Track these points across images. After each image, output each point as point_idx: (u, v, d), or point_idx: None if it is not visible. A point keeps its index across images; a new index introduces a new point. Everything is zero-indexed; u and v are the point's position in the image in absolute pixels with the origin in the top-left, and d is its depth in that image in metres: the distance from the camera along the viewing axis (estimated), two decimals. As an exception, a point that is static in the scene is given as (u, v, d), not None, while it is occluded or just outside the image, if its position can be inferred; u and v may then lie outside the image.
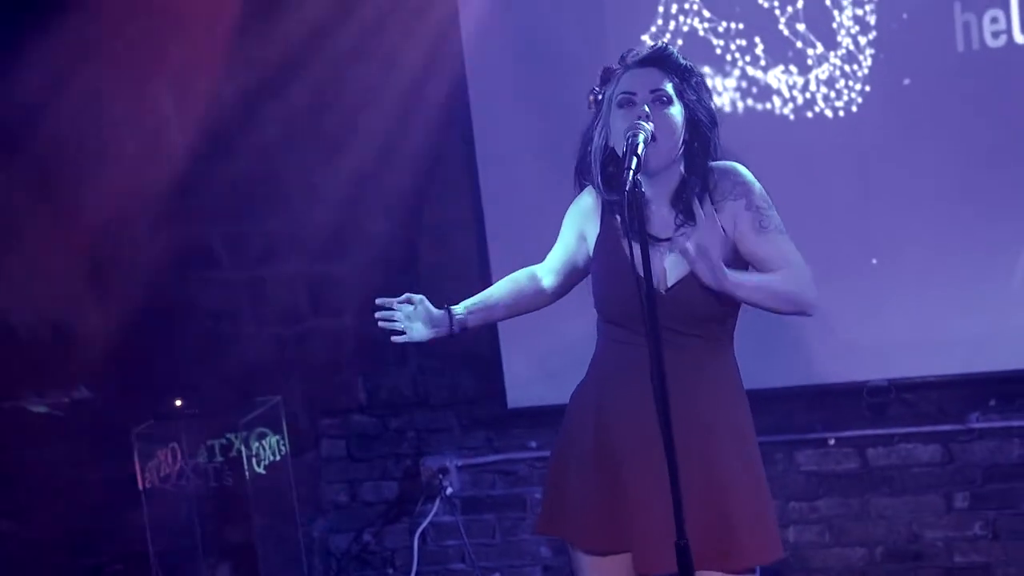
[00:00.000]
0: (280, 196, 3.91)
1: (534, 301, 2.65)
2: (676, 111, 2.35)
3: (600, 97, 2.43)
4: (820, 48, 3.47)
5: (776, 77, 3.50)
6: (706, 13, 3.52)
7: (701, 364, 2.40)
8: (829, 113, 3.49)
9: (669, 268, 2.38)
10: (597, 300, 2.47)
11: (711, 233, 2.37)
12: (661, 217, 2.42)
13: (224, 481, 3.74)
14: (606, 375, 2.46)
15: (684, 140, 2.37)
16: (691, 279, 2.35)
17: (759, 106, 3.52)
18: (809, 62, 3.48)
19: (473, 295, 3.81)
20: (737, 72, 3.52)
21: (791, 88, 3.50)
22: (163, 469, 3.75)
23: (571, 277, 2.63)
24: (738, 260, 2.41)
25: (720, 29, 3.52)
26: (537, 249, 3.68)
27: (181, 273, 3.98)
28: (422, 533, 3.98)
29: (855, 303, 3.52)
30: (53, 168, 3.99)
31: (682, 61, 2.40)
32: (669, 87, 2.36)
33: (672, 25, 3.54)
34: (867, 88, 3.46)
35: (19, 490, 4.05)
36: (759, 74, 3.51)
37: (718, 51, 3.52)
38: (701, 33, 3.53)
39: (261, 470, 3.78)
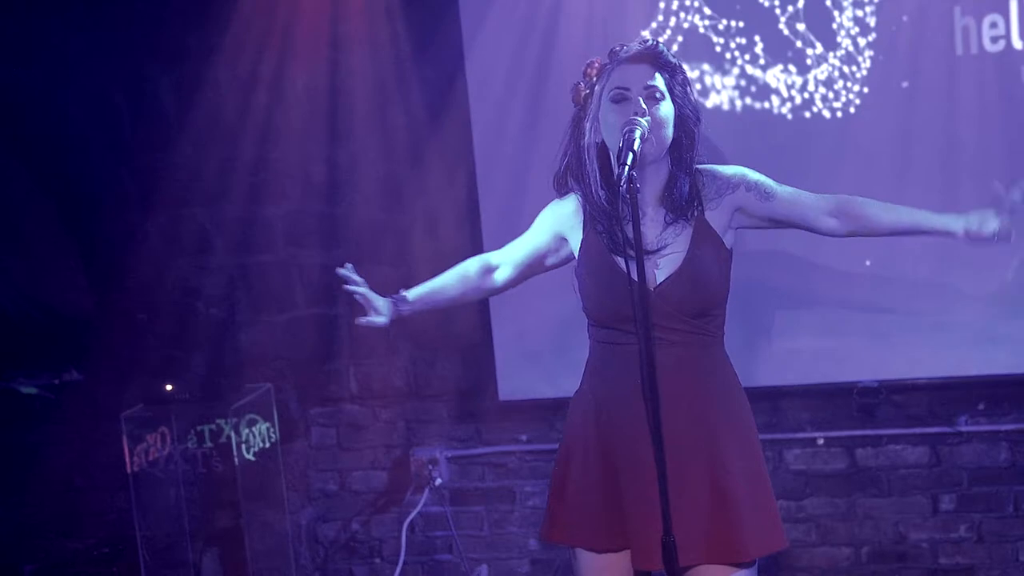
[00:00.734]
0: (275, 183, 3.91)
1: (480, 293, 2.69)
2: (667, 107, 2.39)
3: (588, 92, 2.44)
4: (819, 48, 3.48)
5: (775, 76, 3.50)
6: (707, 10, 3.52)
7: (696, 359, 2.43)
8: (827, 114, 3.49)
9: (659, 266, 2.41)
10: (588, 305, 2.48)
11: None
12: (649, 215, 2.45)
13: (213, 467, 3.75)
14: (603, 378, 2.47)
15: (674, 136, 2.40)
16: (678, 277, 2.40)
17: (757, 105, 3.52)
18: (808, 62, 3.48)
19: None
20: (736, 70, 3.52)
21: (790, 88, 3.50)
22: (152, 453, 3.76)
23: (528, 272, 2.66)
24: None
25: (720, 27, 3.52)
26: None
27: (175, 258, 3.99)
28: (410, 523, 3.98)
29: (848, 304, 3.53)
30: (48, 151, 4.00)
31: (671, 58, 2.44)
32: (661, 83, 2.40)
33: (672, 21, 3.54)
34: (865, 90, 3.46)
35: (7, 471, 4.05)
36: (758, 73, 3.51)
37: (718, 49, 3.52)
38: (701, 30, 3.52)
39: (250, 457, 3.79)
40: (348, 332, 3.98)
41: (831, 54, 3.47)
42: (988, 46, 3.36)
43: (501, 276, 2.65)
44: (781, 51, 3.49)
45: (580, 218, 2.49)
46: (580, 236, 2.49)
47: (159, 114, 3.90)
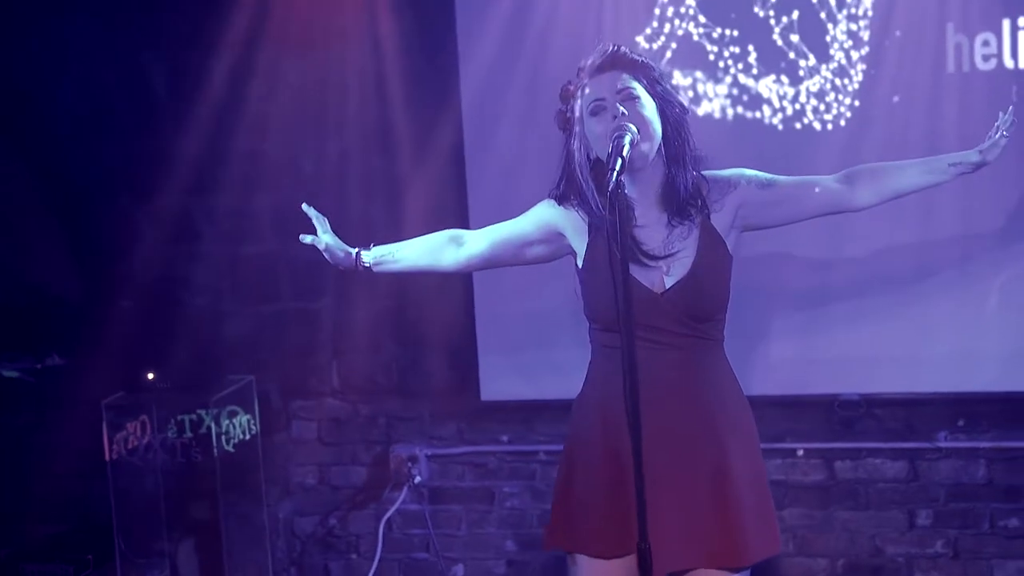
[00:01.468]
0: (265, 174, 3.90)
1: (442, 262, 2.70)
2: (647, 104, 2.40)
3: (569, 115, 2.46)
4: (812, 60, 3.49)
5: (767, 86, 3.51)
6: (701, 18, 3.52)
7: (701, 363, 2.46)
8: (818, 126, 3.50)
9: (667, 270, 2.44)
10: (591, 310, 2.48)
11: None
12: (651, 219, 2.46)
13: (192, 457, 3.74)
14: (607, 382, 2.46)
15: (663, 131, 2.41)
16: (687, 282, 2.43)
17: (749, 114, 3.53)
18: (801, 73, 3.49)
19: (453, 287, 3.86)
20: (729, 79, 3.53)
21: (781, 98, 3.51)
22: (131, 441, 3.75)
23: (502, 254, 2.64)
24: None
25: (715, 35, 3.52)
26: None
27: (161, 246, 3.98)
28: (388, 520, 3.98)
29: (831, 317, 3.55)
30: (39, 134, 3.99)
31: (637, 57, 2.45)
32: (634, 84, 2.40)
33: (667, 28, 3.55)
34: (856, 103, 3.47)
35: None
36: (750, 82, 3.52)
37: (711, 57, 3.53)
38: (695, 38, 3.53)
39: (230, 448, 3.78)
40: (332, 327, 3.99)
41: (824, 66, 3.48)
42: (980, 64, 3.38)
43: (470, 249, 2.65)
44: (774, 61, 3.50)
45: (585, 224, 2.50)
46: (585, 241, 2.49)
47: (151, 101, 3.90)
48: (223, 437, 3.75)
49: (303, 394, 4.04)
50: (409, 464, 3.92)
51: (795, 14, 3.47)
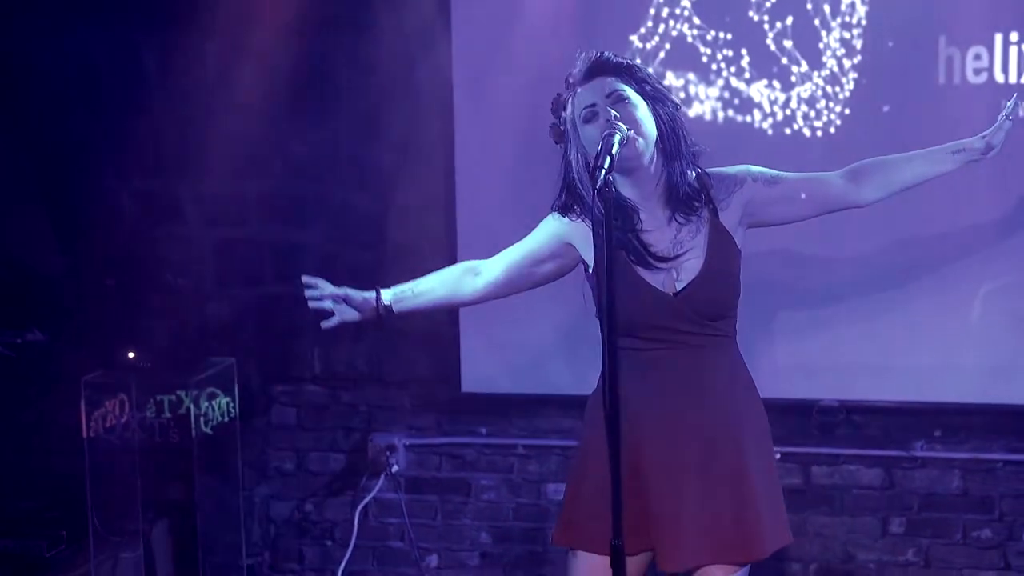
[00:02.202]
0: (254, 159, 3.90)
1: (460, 294, 2.69)
2: (639, 105, 2.42)
3: (563, 127, 2.49)
4: (805, 67, 3.49)
5: (759, 91, 3.52)
6: (696, 20, 3.53)
7: (716, 360, 2.50)
8: (807, 132, 3.51)
9: (678, 272, 2.47)
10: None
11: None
12: (657, 221, 2.49)
13: (170, 438, 3.73)
14: (623, 384, 2.45)
15: (657, 129, 2.44)
16: (698, 282, 2.46)
17: (739, 118, 3.53)
18: (793, 79, 3.50)
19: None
20: (721, 82, 3.53)
21: (772, 103, 3.52)
22: (109, 420, 3.74)
23: (518, 276, 2.65)
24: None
25: (708, 37, 3.53)
26: (505, 235, 3.70)
27: (146, 225, 3.98)
28: (364, 508, 3.99)
29: (814, 324, 3.57)
30: (26, 108, 3.98)
31: (621, 60, 2.48)
32: (622, 86, 2.43)
33: (661, 28, 3.55)
34: (847, 111, 3.48)
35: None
36: (742, 86, 3.53)
37: (704, 59, 3.54)
38: (689, 40, 3.53)
39: (208, 430, 3.78)
40: (315, 313, 3.97)
41: (816, 73, 3.49)
42: (971, 77, 3.39)
43: (487, 277, 2.66)
44: (767, 66, 3.51)
45: (591, 232, 2.49)
46: (593, 251, 2.48)
47: (141, 81, 3.89)
48: (202, 419, 3.74)
49: (284, 379, 4.04)
50: (387, 453, 3.93)
51: (789, 20, 3.48)
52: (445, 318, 3.83)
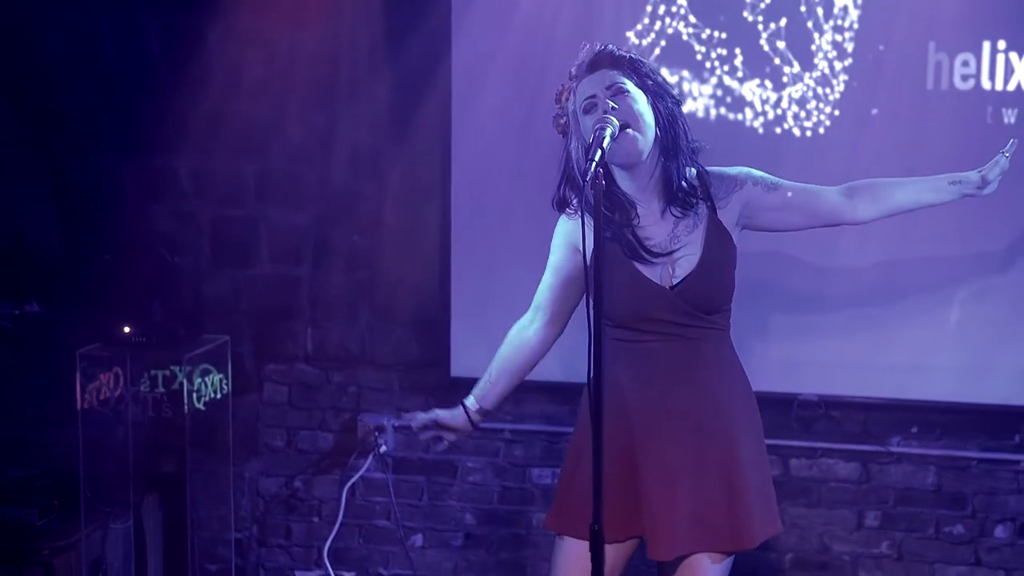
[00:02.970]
0: (253, 140, 3.92)
1: (531, 348, 2.69)
2: (639, 99, 2.44)
3: (565, 118, 2.51)
4: (797, 68, 3.54)
5: (751, 90, 3.56)
6: (692, 19, 3.57)
7: (710, 353, 2.52)
8: (797, 132, 3.56)
9: (674, 266, 2.49)
10: (606, 307, 2.49)
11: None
12: (654, 216, 2.51)
13: (162, 412, 3.76)
14: (616, 374, 2.51)
15: (656, 123, 2.45)
16: (695, 277, 2.48)
17: (731, 115, 3.58)
18: (784, 79, 3.54)
19: (430, 262, 3.89)
20: (714, 80, 3.57)
21: (764, 102, 3.56)
22: (103, 392, 3.76)
23: (566, 299, 2.65)
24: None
25: (703, 36, 3.57)
26: (499, 223, 3.75)
27: (145, 203, 3.99)
28: (352, 486, 4.01)
29: (797, 320, 3.62)
30: (31, 84, 3.98)
31: (625, 54, 2.50)
32: (623, 80, 2.45)
33: (657, 25, 3.58)
34: (836, 112, 3.53)
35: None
36: (735, 85, 3.57)
37: (698, 57, 3.58)
38: (684, 37, 3.57)
39: (200, 406, 3.80)
40: (309, 294, 4.02)
41: (807, 74, 3.53)
42: (958, 83, 3.44)
43: (539, 320, 2.67)
44: (759, 66, 3.55)
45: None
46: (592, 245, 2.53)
47: (145, 61, 3.90)
48: (194, 394, 3.76)
49: (277, 358, 4.06)
50: (376, 433, 3.95)
51: (783, 21, 3.52)
52: (436, 305, 3.86)
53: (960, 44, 3.43)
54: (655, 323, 2.49)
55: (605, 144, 2.28)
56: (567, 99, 2.50)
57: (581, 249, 2.51)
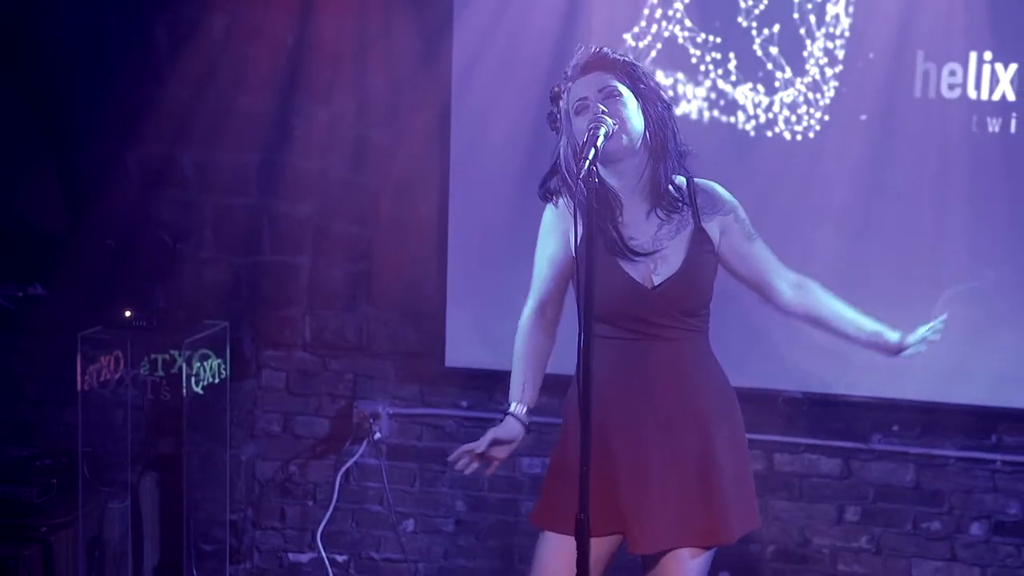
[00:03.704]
0: (255, 131, 3.93)
1: (549, 341, 2.70)
2: (629, 101, 2.48)
3: (558, 116, 2.55)
4: (788, 73, 3.59)
5: (744, 94, 3.61)
6: (688, 22, 3.61)
7: (688, 353, 2.57)
8: (788, 135, 3.61)
9: (656, 267, 2.54)
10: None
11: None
12: (638, 215, 2.55)
13: (161, 395, 3.78)
14: (598, 371, 2.49)
15: (645, 127, 2.49)
16: (677, 279, 2.52)
17: (724, 118, 3.62)
18: (776, 84, 3.59)
19: (427, 253, 3.91)
20: (708, 83, 3.62)
21: (756, 106, 3.61)
22: (104, 375, 3.77)
23: (565, 285, 2.67)
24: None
25: (698, 40, 3.61)
26: (496, 216, 3.79)
27: (149, 190, 4.00)
28: (346, 472, 4.05)
29: (782, 319, 3.63)
30: (38, 71, 4.00)
31: (619, 57, 2.53)
32: (616, 83, 2.48)
33: (654, 28, 3.63)
34: (826, 117, 3.58)
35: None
36: (728, 88, 3.62)
37: (693, 60, 3.62)
38: (680, 40, 3.62)
39: (199, 390, 3.82)
40: (308, 282, 4.05)
41: (798, 80, 3.58)
42: (945, 92, 3.50)
43: (550, 310, 2.68)
44: (752, 71, 3.60)
45: (572, 219, 2.54)
46: (578, 233, 2.53)
47: (151, 53, 3.91)
48: (193, 379, 3.78)
49: (275, 344, 4.09)
50: (371, 420, 3.98)
51: (776, 27, 3.57)
52: (433, 295, 3.90)
53: (948, 54, 3.48)
54: (635, 321, 2.53)
55: (599, 143, 2.33)
56: (560, 98, 2.54)
57: (572, 241, 2.57)
